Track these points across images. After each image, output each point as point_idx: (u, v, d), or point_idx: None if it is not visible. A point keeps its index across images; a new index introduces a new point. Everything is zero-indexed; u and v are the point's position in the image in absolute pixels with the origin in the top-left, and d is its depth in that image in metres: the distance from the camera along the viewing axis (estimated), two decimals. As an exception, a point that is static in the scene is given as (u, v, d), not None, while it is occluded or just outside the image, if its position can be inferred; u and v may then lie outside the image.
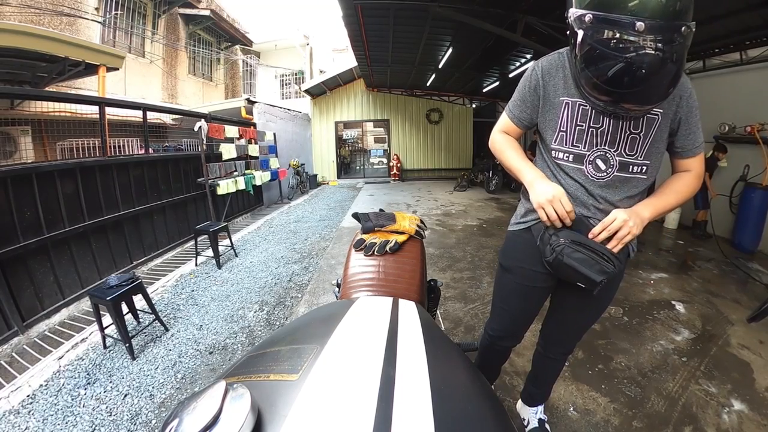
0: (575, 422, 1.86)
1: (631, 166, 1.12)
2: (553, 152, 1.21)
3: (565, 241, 1.10)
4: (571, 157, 1.16)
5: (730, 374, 2.24)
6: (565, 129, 1.15)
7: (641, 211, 1.10)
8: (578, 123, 1.12)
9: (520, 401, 1.83)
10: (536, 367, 1.67)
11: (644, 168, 1.13)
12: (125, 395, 2.21)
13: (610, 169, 1.13)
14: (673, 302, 3.19)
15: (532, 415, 1.73)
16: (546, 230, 1.18)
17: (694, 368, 2.30)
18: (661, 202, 1.14)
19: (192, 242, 4.61)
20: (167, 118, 8.79)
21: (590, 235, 1.10)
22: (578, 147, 1.14)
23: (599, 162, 1.13)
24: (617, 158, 1.11)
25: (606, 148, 1.12)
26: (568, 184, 1.19)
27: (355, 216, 1.59)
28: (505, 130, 1.34)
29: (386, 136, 14.07)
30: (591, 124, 1.11)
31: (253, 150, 7.31)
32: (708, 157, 5.17)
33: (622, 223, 1.06)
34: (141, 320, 3.00)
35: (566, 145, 1.16)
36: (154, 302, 2.96)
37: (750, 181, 4.90)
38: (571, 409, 1.95)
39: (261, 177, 7.36)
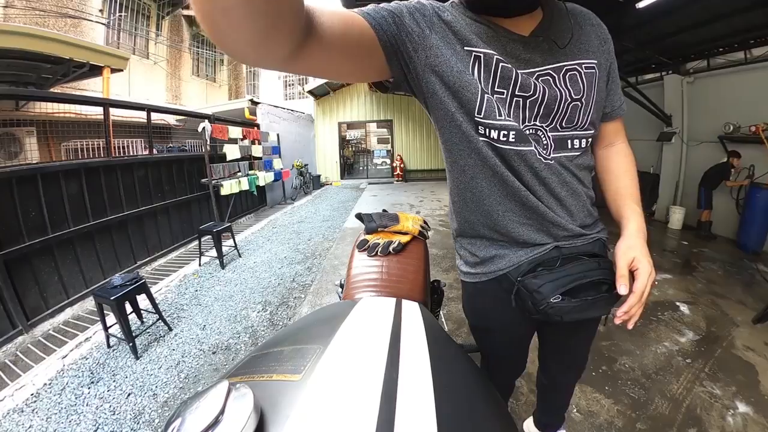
0: (578, 424, 1.85)
1: (569, 141, 0.83)
2: (481, 129, 0.78)
3: (555, 298, 0.82)
4: (513, 134, 0.77)
5: (735, 376, 2.22)
6: (489, 92, 0.76)
7: (641, 242, 0.82)
8: (498, 88, 0.76)
9: (530, 421, 1.57)
10: (543, 398, 1.42)
11: (585, 141, 0.85)
12: (129, 394, 2.22)
13: (546, 150, 0.82)
14: (678, 303, 3.17)
15: None
16: (520, 282, 0.87)
17: (698, 370, 2.28)
18: (638, 208, 0.88)
19: (196, 243, 4.64)
20: (171, 119, 8.81)
21: (619, 314, 0.77)
22: (509, 119, 0.77)
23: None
24: (551, 135, 0.81)
25: (536, 123, 0.79)
26: (514, 187, 0.82)
27: (359, 216, 1.59)
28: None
29: (389, 136, 14.07)
30: (516, 92, 0.76)
31: (257, 151, 7.34)
32: (723, 163, 5.15)
33: (649, 279, 0.76)
34: (145, 320, 3.02)
35: (494, 118, 0.76)
36: (157, 302, 2.98)
37: (755, 181, 4.87)
38: (575, 410, 1.94)
39: (264, 177, 7.38)
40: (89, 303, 3.47)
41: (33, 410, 2.11)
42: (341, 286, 1.52)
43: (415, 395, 0.49)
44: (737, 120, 5.05)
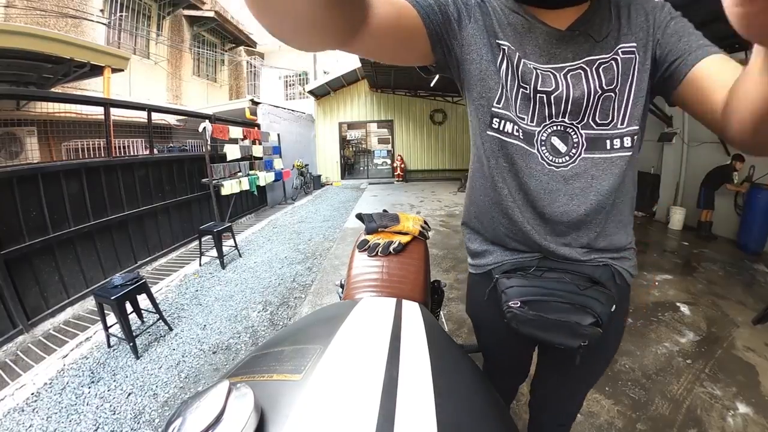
0: (579, 424, 1.85)
1: (607, 141, 0.74)
2: (495, 122, 0.77)
3: (514, 303, 0.79)
4: (521, 132, 0.76)
5: (735, 377, 2.22)
6: (507, 87, 0.75)
7: None
8: (522, 83, 0.74)
9: None
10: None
11: (629, 139, 0.73)
12: (129, 394, 2.22)
13: (575, 150, 0.75)
14: (678, 304, 3.17)
15: None
16: (496, 280, 0.85)
17: (698, 371, 2.28)
18: None
19: (196, 242, 4.64)
20: (172, 119, 8.82)
21: None
22: (523, 119, 0.75)
23: (555, 140, 0.76)
24: (583, 133, 0.74)
25: (565, 120, 0.74)
26: (501, 196, 0.81)
27: (359, 217, 1.59)
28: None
29: (390, 136, 14.08)
30: (538, 88, 0.73)
31: (257, 151, 7.34)
32: (726, 165, 5.14)
33: None
34: (145, 320, 3.02)
35: (512, 111, 0.76)
36: (158, 302, 2.98)
37: (756, 182, 4.87)
38: (575, 411, 1.94)
39: (265, 178, 7.39)
40: (90, 303, 3.48)
41: (33, 409, 2.12)
42: (341, 286, 1.52)
43: (415, 395, 0.49)
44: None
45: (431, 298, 1.50)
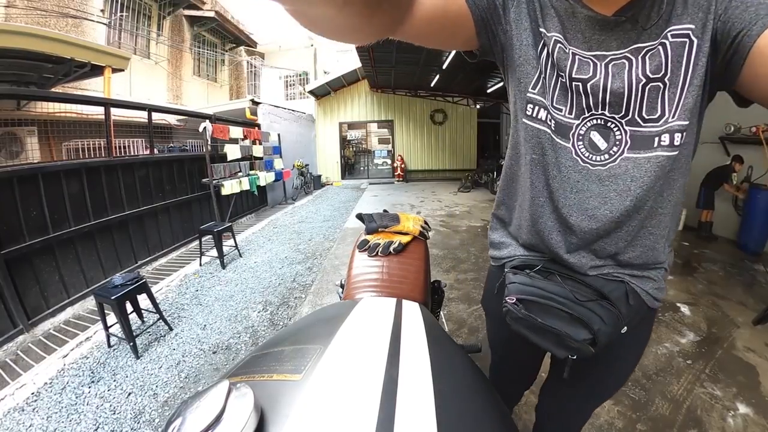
0: (579, 425, 1.85)
1: (654, 138, 0.64)
2: (529, 108, 0.73)
3: (510, 299, 0.78)
4: (553, 123, 0.71)
5: (736, 377, 2.22)
6: (545, 75, 0.71)
7: None
8: (558, 71, 0.69)
9: None
10: None
11: (680, 135, 0.63)
12: (129, 394, 2.22)
13: (616, 148, 0.67)
14: (678, 304, 3.17)
15: None
16: (506, 274, 0.84)
17: (699, 371, 2.28)
18: None
19: (196, 242, 4.64)
20: (172, 119, 8.83)
21: None
22: (560, 110, 0.70)
23: (595, 136, 0.69)
24: (627, 129, 0.66)
25: (605, 113, 0.67)
26: (535, 182, 0.76)
27: (359, 217, 1.59)
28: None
29: (390, 136, 14.08)
30: (573, 75, 0.67)
31: (258, 151, 7.34)
32: (726, 165, 5.14)
33: None
34: (145, 319, 3.02)
35: (548, 99, 0.71)
36: (158, 302, 2.98)
37: (755, 182, 4.87)
38: (575, 411, 1.94)
39: (265, 177, 7.39)
40: (90, 302, 3.48)
41: (33, 409, 2.12)
42: (342, 286, 1.52)
43: (415, 395, 0.49)
44: (738, 121, 5.04)
45: (431, 299, 1.51)
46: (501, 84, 10.23)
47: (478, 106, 13.35)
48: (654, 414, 1.93)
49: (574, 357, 0.75)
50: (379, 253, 1.39)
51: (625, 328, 0.74)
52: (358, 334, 0.66)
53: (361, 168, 17.50)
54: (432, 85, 10.99)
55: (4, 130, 6.00)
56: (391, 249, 1.39)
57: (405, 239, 1.46)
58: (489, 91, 11.63)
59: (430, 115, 13.02)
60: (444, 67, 8.53)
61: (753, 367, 2.32)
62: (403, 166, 13.01)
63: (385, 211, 1.69)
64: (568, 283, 0.77)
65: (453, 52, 7.39)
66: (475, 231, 5.80)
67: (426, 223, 1.61)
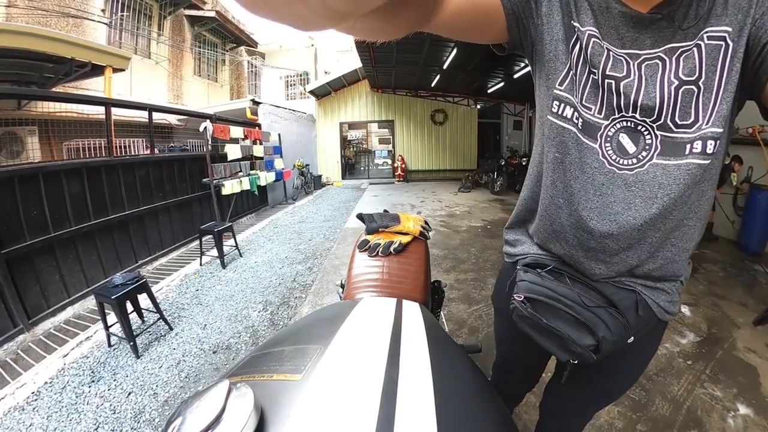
0: (579, 425, 1.85)
1: (686, 145, 0.61)
2: (555, 105, 0.72)
3: (518, 297, 0.78)
4: (581, 122, 0.69)
5: (736, 378, 2.22)
6: (576, 71, 0.69)
7: None
8: (591, 68, 0.66)
9: None
10: None
11: (713, 144, 0.60)
12: (129, 393, 2.22)
13: (645, 153, 0.64)
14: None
15: None
16: (517, 271, 0.84)
17: (699, 372, 2.28)
18: None
19: (197, 242, 4.64)
20: (173, 119, 8.83)
21: None
22: (590, 109, 0.68)
23: (624, 138, 0.66)
24: (659, 134, 0.63)
25: (636, 116, 0.64)
26: (556, 182, 0.75)
27: (360, 217, 1.59)
28: None
29: (391, 136, 14.08)
30: (607, 72, 0.64)
31: (258, 151, 7.34)
32: (725, 166, 5.11)
33: None
34: (145, 319, 3.02)
35: (576, 96, 0.69)
36: (158, 301, 2.98)
37: (755, 183, 4.86)
38: (575, 411, 1.94)
39: (266, 177, 7.39)
40: (90, 302, 3.48)
41: (34, 408, 2.12)
42: (342, 286, 1.52)
43: (415, 395, 0.49)
44: (736, 121, 5.01)
45: (432, 299, 1.51)
46: (501, 84, 10.24)
47: (478, 107, 13.36)
48: (654, 414, 1.92)
49: (576, 362, 0.75)
50: (379, 253, 1.39)
51: (632, 338, 0.73)
52: (359, 334, 0.66)
53: (362, 168, 17.49)
54: (432, 85, 10.99)
55: (5, 129, 6.00)
56: (392, 249, 1.39)
57: (405, 239, 1.46)
58: (489, 91, 11.64)
59: (430, 115, 13.02)
60: (444, 67, 8.53)
61: (753, 368, 2.31)
62: (403, 166, 13.01)
63: (385, 211, 1.69)
64: (578, 286, 0.76)
65: (453, 52, 7.39)
66: (476, 231, 5.79)
67: (426, 223, 1.61)
